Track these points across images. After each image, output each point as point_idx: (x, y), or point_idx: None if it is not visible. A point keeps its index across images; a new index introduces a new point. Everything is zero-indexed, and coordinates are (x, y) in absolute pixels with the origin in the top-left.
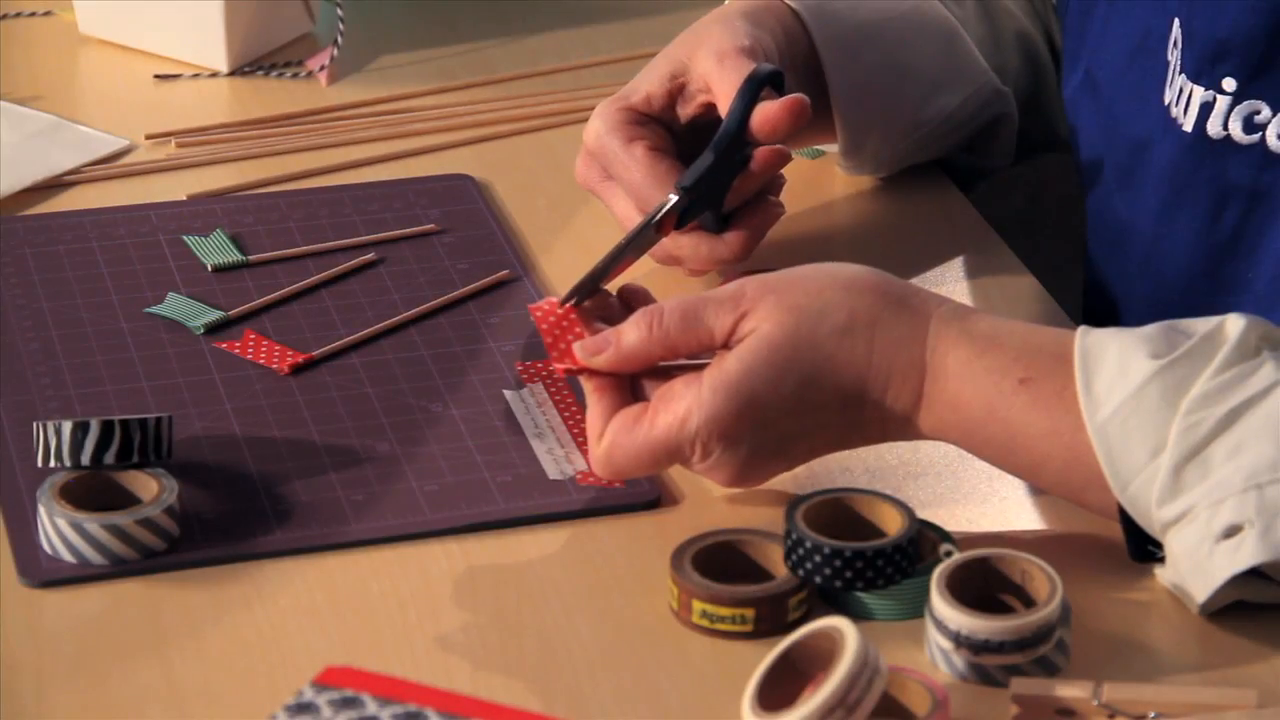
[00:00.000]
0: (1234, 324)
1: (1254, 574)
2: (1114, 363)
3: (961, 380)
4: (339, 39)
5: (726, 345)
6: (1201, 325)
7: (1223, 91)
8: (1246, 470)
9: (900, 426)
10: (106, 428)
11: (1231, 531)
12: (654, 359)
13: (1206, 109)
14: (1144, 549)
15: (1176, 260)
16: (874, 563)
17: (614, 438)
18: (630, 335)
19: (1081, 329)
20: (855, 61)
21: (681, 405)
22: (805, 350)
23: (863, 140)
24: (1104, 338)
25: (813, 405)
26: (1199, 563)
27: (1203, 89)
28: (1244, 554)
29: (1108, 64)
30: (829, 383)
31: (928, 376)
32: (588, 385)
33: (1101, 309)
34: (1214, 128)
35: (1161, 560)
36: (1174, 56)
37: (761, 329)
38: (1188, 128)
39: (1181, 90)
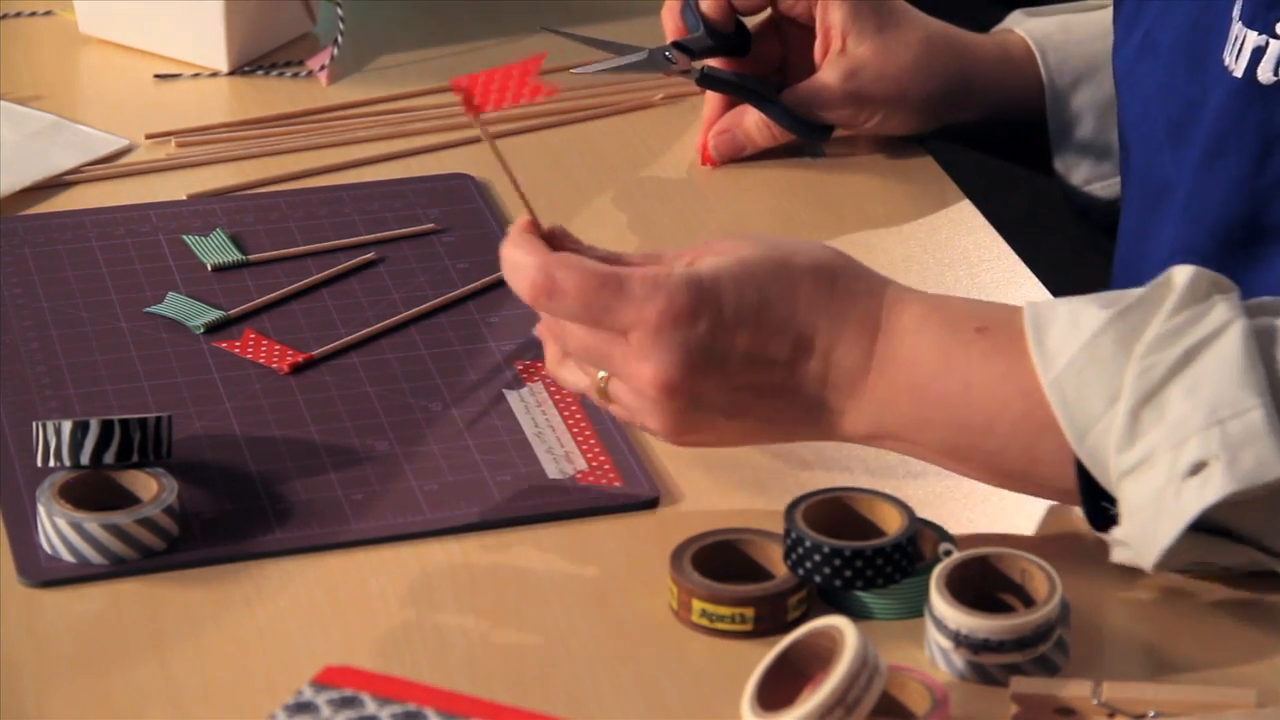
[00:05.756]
0: (1181, 272)
1: (1214, 532)
2: (1065, 318)
3: (918, 333)
4: (339, 39)
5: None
6: (1148, 284)
7: (1276, 36)
8: (1206, 408)
9: (841, 391)
10: (106, 427)
11: (1197, 468)
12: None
13: (1258, 54)
14: (1102, 515)
15: (1216, 206)
16: (873, 562)
17: (562, 257)
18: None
19: (1028, 302)
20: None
21: (652, 270)
22: (777, 269)
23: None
24: (1053, 302)
25: (770, 329)
26: (1164, 506)
27: (1256, 33)
28: (1212, 487)
29: (1173, 25)
30: (788, 314)
31: (881, 333)
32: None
33: (1132, 257)
34: (1264, 73)
35: (1117, 522)
36: (1236, 9)
37: (736, 250)
38: (1238, 73)
39: (1236, 38)
